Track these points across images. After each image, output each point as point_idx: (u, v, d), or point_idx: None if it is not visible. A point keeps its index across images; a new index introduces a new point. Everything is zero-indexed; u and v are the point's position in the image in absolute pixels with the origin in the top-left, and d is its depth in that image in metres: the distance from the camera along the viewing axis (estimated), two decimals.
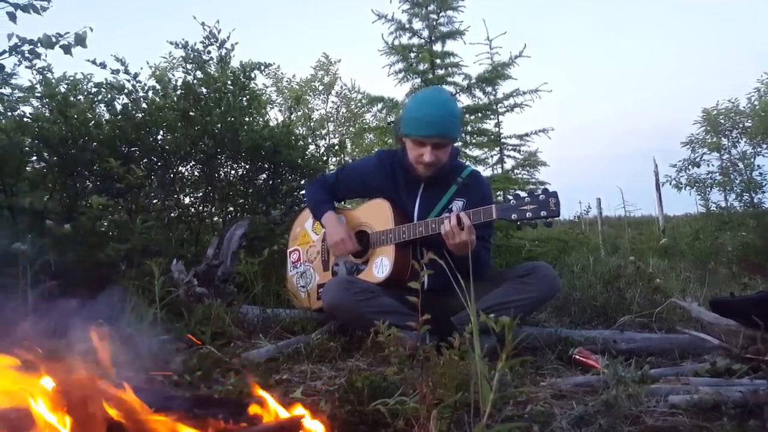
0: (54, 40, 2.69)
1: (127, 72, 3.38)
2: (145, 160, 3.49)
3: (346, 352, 2.06)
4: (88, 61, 3.25)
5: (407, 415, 1.22)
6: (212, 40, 3.66)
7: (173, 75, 4.04)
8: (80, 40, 2.69)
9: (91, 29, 2.73)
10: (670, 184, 7.82)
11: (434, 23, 3.93)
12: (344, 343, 2.10)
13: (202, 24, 3.61)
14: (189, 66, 3.66)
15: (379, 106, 4.13)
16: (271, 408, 1.11)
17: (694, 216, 8.84)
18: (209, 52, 3.70)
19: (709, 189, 7.41)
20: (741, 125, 7.64)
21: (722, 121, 7.77)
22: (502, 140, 4.36)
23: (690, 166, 7.74)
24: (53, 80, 3.39)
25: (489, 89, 4.10)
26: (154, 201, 3.45)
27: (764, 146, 7.27)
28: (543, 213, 1.93)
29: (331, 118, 10.42)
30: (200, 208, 3.82)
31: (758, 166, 7.27)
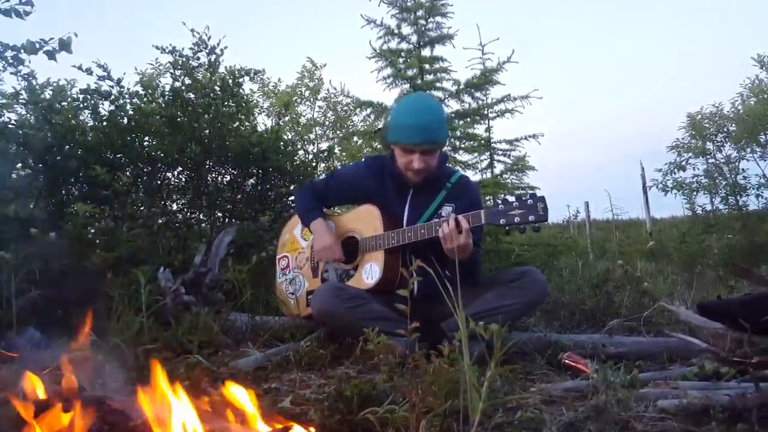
0: (38, 45, 2.66)
1: (109, 78, 3.35)
2: (131, 167, 3.46)
3: (335, 359, 2.04)
4: (75, 67, 3.22)
5: (397, 424, 1.21)
6: (202, 46, 3.64)
7: (160, 81, 4.02)
8: (64, 45, 2.67)
9: (76, 35, 2.71)
10: (657, 187, 7.91)
11: (423, 28, 3.94)
12: (334, 351, 2.08)
13: (192, 30, 3.60)
14: (177, 72, 3.64)
15: (368, 110, 4.13)
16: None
17: (681, 219, 8.93)
18: (198, 58, 3.68)
19: (694, 192, 7.50)
20: (725, 129, 7.74)
21: (707, 125, 7.88)
22: (492, 145, 4.37)
23: (676, 170, 7.83)
24: (37, 87, 3.35)
25: (478, 94, 4.11)
26: (141, 208, 3.42)
27: (748, 150, 7.38)
28: (531, 218, 1.94)
29: (319, 123, 10.39)
30: (188, 214, 3.79)
31: (743, 169, 7.38)
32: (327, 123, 10.30)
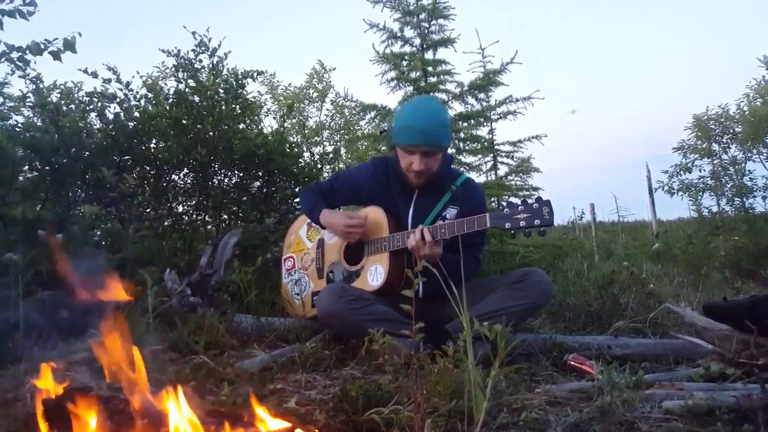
0: (42, 46, 2.68)
1: (119, 81, 3.38)
2: (137, 169, 3.48)
3: (340, 360, 2.05)
4: (80, 70, 3.25)
5: (402, 424, 1.21)
6: (203, 48, 3.67)
7: (165, 84, 4.04)
8: (69, 45, 2.68)
9: (80, 34, 2.72)
10: (663, 189, 7.86)
11: (426, 31, 3.95)
12: (339, 352, 2.09)
13: (193, 33, 3.62)
14: (181, 75, 3.66)
15: (373, 113, 4.14)
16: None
17: (687, 220, 8.88)
18: (201, 61, 3.71)
19: (700, 194, 7.45)
20: (731, 131, 7.70)
21: (713, 126, 7.83)
22: (495, 147, 4.38)
23: (681, 172, 7.79)
24: (44, 89, 3.37)
25: (481, 96, 4.11)
26: (147, 210, 3.44)
27: (754, 151, 7.33)
28: (537, 222, 1.93)
29: (326, 126, 10.43)
30: (193, 216, 3.81)
31: (749, 171, 7.32)
32: (334, 126, 10.33)
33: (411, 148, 2.16)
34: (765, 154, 7.29)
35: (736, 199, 7.12)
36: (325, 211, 2.41)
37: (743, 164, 7.49)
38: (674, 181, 7.80)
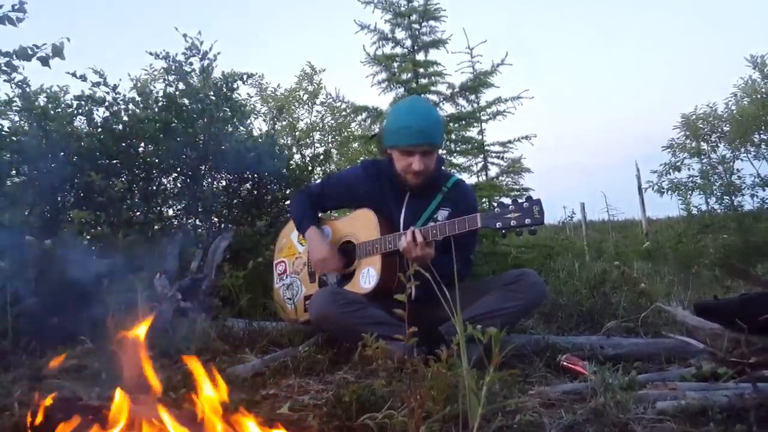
0: (30, 52, 2.65)
1: (105, 84, 3.35)
2: (126, 173, 3.45)
3: (334, 364, 2.04)
4: (69, 73, 3.21)
5: (396, 429, 1.21)
6: (194, 51, 3.64)
7: (154, 87, 4.01)
8: (57, 51, 2.66)
9: (69, 40, 2.70)
10: (653, 189, 7.91)
11: (417, 33, 3.94)
12: (332, 356, 2.08)
13: (184, 35, 3.60)
14: (171, 77, 3.64)
15: (364, 115, 4.13)
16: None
17: (677, 219, 8.94)
18: (191, 64, 3.68)
19: (690, 193, 7.50)
20: (719, 129, 7.77)
21: (701, 125, 7.90)
22: (486, 147, 4.37)
23: (671, 170, 7.84)
24: (31, 93, 3.33)
25: (472, 97, 4.11)
26: (137, 214, 3.41)
27: (742, 150, 7.41)
28: (527, 221, 1.94)
29: (317, 128, 10.40)
30: (183, 220, 3.78)
31: (737, 169, 7.39)
32: (326, 128, 10.31)
33: (411, 148, 2.16)
34: (753, 153, 7.37)
35: (724, 197, 7.18)
36: (313, 230, 2.39)
37: (731, 163, 7.56)
38: (663, 181, 7.85)
